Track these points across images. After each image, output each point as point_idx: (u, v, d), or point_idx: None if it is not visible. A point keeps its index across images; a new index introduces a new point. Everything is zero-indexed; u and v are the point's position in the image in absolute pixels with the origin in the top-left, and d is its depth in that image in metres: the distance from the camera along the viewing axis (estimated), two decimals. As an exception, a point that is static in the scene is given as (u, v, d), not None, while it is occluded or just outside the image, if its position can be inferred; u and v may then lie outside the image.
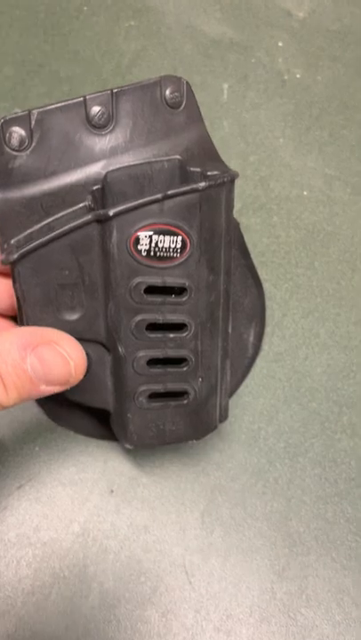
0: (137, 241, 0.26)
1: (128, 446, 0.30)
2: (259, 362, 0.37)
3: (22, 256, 0.26)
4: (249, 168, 0.43)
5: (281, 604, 0.32)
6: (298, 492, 0.34)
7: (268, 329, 0.37)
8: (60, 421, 0.34)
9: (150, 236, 0.26)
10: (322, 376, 0.37)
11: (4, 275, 0.33)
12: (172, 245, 0.26)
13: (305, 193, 0.43)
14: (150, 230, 0.26)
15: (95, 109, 0.28)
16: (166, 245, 0.26)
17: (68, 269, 0.27)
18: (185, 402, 0.29)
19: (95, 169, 0.28)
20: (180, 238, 0.26)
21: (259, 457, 0.35)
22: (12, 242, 0.27)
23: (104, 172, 0.27)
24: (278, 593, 0.32)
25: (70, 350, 0.26)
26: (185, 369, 0.29)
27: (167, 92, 0.29)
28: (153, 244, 0.26)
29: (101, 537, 0.32)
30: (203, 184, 0.26)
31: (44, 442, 0.34)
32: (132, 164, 0.28)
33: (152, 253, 0.26)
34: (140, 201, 0.25)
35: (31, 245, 0.26)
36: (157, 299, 0.27)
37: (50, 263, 0.26)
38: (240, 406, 0.36)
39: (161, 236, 0.26)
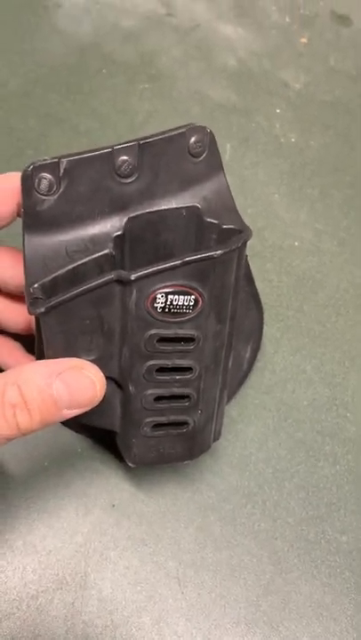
0: (154, 300, 0.27)
1: (131, 465, 0.33)
2: (251, 393, 0.40)
3: (48, 310, 0.27)
4: (247, 220, 0.47)
5: (265, 617, 0.34)
6: (283, 514, 0.37)
7: (260, 364, 0.41)
8: (67, 424, 0.37)
9: (166, 295, 0.27)
10: (307, 408, 0.41)
11: (19, 298, 0.36)
12: (186, 303, 0.28)
13: (296, 244, 0.47)
14: (166, 290, 0.27)
15: (122, 159, 0.29)
16: (180, 303, 0.28)
17: (89, 319, 0.28)
18: (184, 430, 0.32)
19: (118, 216, 0.29)
20: (193, 297, 0.28)
21: (249, 480, 0.38)
22: (37, 285, 0.28)
23: (125, 219, 0.29)
24: (263, 606, 0.35)
25: (95, 373, 0.27)
26: (187, 404, 0.31)
27: (191, 141, 0.29)
28: (168, 302, 0.28)
29: (102, 548, 0.35)
30: (219, 252, 0.27)
31: (53, 459, 0.37)
32: (151, 210, 0.29)
33: (167, 310, 0.28)
34: (160, 267, 0.27)
35: (57, 301, 0.27)
36: (168, 347, 0.29)
37: (73, 314, 0.27)
38: (233, 433, 0.39)
39: (176, 296, 0.27)
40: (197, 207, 0.30)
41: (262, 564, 0.36)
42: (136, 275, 0.26)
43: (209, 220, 0.30)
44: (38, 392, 0.26)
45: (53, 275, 0.28)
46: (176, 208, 0.30)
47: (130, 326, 0.28)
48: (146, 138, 0.29)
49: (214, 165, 0.30)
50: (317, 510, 0.37)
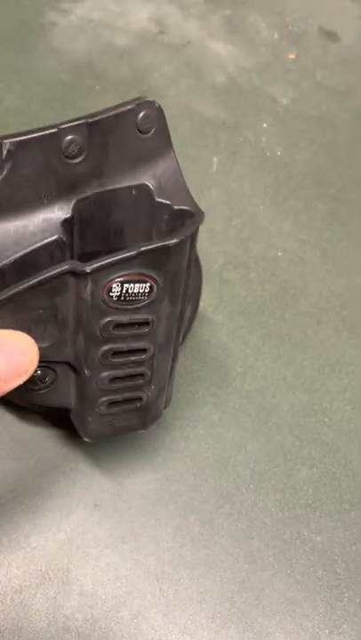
0: (110, 289, 0.27)
1: (87, 440, 0.33)
2: (232, 398, 0.42)
3: (1, 303, 0.26)
4: (232, 230, 0.50)
5: (240, 613, 0.36)
6: (260, 515, 0.38)
7: (241, 369, 0.43)
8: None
9: (122, 284, 0.27)
10: (287, 413, 0.42)
11: None
12: (141, 291, 0.27)
13: (280, 254, 0.49)
14: (122, 279, 0.27)
15: (69, 139, 0.27)
16: (136, 291, 0.27)
17: (42, 309, 0.27)
18: (138, 405, 0.32)
19: (66, 198, 0.28)
20: (148, 284, 0.27)
21: (227, 482, 0.39)
22: None
23: (74, 201, 0.28)
24: (238, 602, 0.36)
25: (26, 339, 0.26)
26: (141, 381, 0.31)
27: (140, 117, 0.28)
28: (124, 291, 0.27)
29: (84, 545, 0.36)
30: (174, 240, 0.27)
31: (39, 458, 0.39)
32: (100, 190, 0.28)
33: (122, 298, 0.27)
34: (116, 258, 0.26)
35: (9, 294, 0.25)
36: (123, 332, 0.29)
37: (26, 305, 0.26)
38: (213, 436, 0.40)
39: (131, 284, 0.27)
40: (148, 186, 0.29)
41: (238, 562, 0.37)
42: (92, 267, 0.26)
43: (160, 200, 0.29)
44: None
45: (1, 264, 0.27)
46: (126, 187, 0.29)
47: (85, 315, 0.27)
48: (94, 115, 0.27)
49: (163, 142, 0.29)
50: (293, 511, 0.39)
